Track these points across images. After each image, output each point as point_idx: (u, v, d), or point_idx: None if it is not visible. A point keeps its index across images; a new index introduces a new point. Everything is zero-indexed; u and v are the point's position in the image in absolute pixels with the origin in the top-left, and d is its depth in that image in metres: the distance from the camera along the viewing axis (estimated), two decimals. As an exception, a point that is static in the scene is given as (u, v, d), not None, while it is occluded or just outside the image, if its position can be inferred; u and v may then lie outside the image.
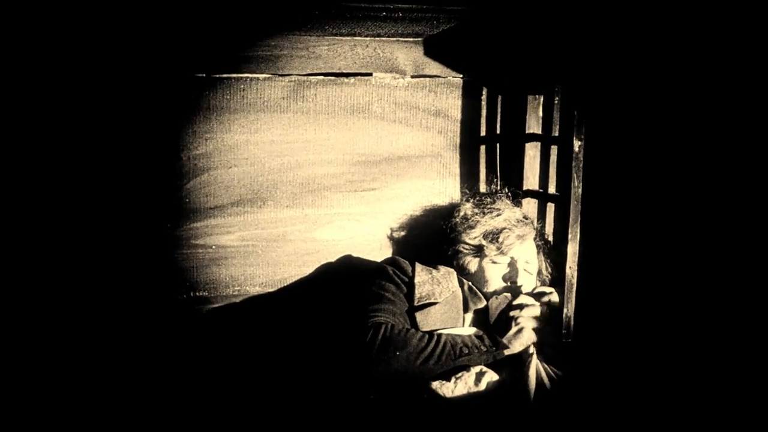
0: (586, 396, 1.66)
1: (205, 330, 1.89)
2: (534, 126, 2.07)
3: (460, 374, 1.58)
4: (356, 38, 1.94)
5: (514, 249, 1.83)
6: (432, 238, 2.01)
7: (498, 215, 1.86)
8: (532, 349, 1.65)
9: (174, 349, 1.84)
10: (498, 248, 1.81)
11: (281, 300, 1.96)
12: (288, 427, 1.80)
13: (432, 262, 1.85)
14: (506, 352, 1.63)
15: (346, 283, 1.96)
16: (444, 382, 1.57)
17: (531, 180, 2.09)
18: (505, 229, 1.82)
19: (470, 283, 1.80)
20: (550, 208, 2.01)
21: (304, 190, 1.96)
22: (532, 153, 2.08)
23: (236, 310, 1.92)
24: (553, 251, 1.94)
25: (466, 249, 1.85)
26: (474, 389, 1.57)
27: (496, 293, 1.79)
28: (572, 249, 1.90)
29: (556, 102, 1.96)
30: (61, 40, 1.65)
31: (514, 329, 1.67)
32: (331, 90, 1.95)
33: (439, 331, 1.65)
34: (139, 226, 1.80)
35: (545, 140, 2.03)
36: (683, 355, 1.81)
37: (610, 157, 2.00)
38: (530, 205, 2.07)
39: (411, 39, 1.99)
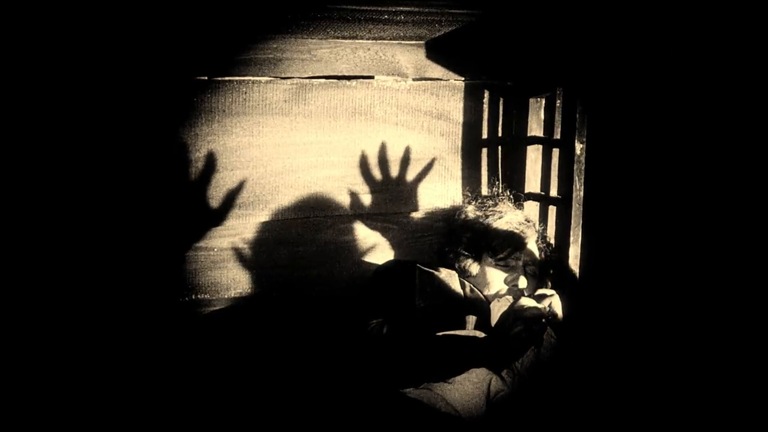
0: (587, 396, 1.66)
1: (207, 332, 1.89)
2: (536, 129, 2.08)
3: (462, 377, 1.58)
4: (358, 41, 1.94)
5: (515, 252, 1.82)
6: (434, 240, 2.01)
7: (500, 218, 1.86)
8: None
9: (175, 351, 1.84)
10: (500, 251, 1.81)
11: (283, 303, 1.96)
12: (289, 429, 1.80)
13: (433, 265, 1.85)
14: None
15: (347, 286, 1.96)
16: (445, 384, 1.57)
17: (533, 183, 2.09)
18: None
19: (472, 285, 1.80)
20: (552, 210, 2.01)
21: (306, 192, 1.96)
22: (533, 156, 2.09)
23: (238, 312, 1.92)
24: (554, 254, 1.93)
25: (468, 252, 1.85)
26: (476, 391, 1.56)
27: (497, 296, 1.79)
28: (574, 252, 1.90)
29: (557, 104, 1.96)
30: (64, 44, 1.66)
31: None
32: (333, 93, 1.96)
33: (441, 334, 1.65)
34: (141, 229, 1.80)
35: (547, 143, 2.03)
36: (684, 356, 1.80)
37: (612, 159, 2.00)
38: (532, 208, 2.07)
39: (413, 42, 1.99)
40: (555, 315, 1.73)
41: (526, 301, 1.74)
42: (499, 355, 1.63)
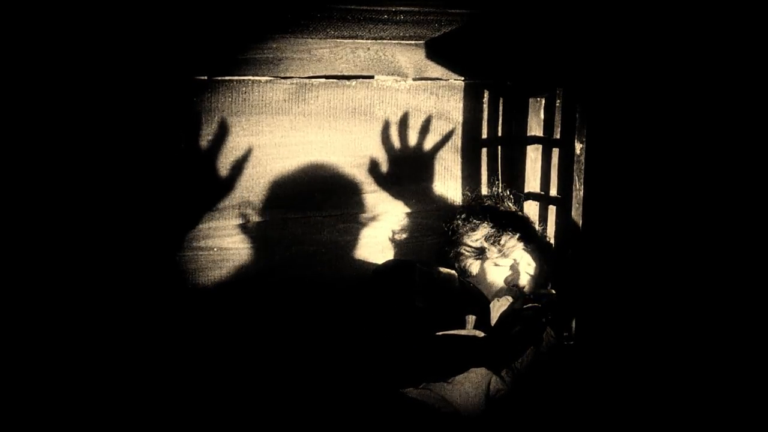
0: (587, 396, 1.66)
1: (207, 332, 1.89)
2: (535, 128, 2.08)
3: (462, 376, 1.58)
4: (358, 41, 1.94)
5: (515, 251, 1.83)
6: (434, 240, 2.01)
7: (500, 217, 1.86)
8: None
9: (176, 351, 1.84)
10: (500, 251, 1.81)
11: (282, 302, 1.96)
12: (289, 429, 1.80)
13: (433, 265, 1.85)
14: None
15: (347, 285, 1.95)
16: (445, 384, 1.57)
17: (532, 182, 2.09)
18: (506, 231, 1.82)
19: (471, 285, 1.80)
20: (552, 210, 2.01)
21: (306, 192, 1.96)
22: (533, 155, 2.09)
23: (238, 312, 1.92)
24: (554, 254, 1.93)
25: (468, 251, 1.85)
26: (475, 391, 1.57)
27: (497, 295, 1.79)
28: (573, 251, 1.90)
29: (557, 104, 1.96)
30: (64, 42, 1.66)
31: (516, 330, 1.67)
32: (333, 92, 1.96)
33: (441, 333, 1.65)
34: (141, 229, 1.79)
35: (547, 143, 2.03)
36: (683, 355, 1.80)
37: (612, 159, 2.00)
38: (532, 208, 2.07)
39: (413, 42, 1.99)
40: (554, 313, 1.74)
41: (526, 301, 1.75)
42: (499, 355, 1.63)
